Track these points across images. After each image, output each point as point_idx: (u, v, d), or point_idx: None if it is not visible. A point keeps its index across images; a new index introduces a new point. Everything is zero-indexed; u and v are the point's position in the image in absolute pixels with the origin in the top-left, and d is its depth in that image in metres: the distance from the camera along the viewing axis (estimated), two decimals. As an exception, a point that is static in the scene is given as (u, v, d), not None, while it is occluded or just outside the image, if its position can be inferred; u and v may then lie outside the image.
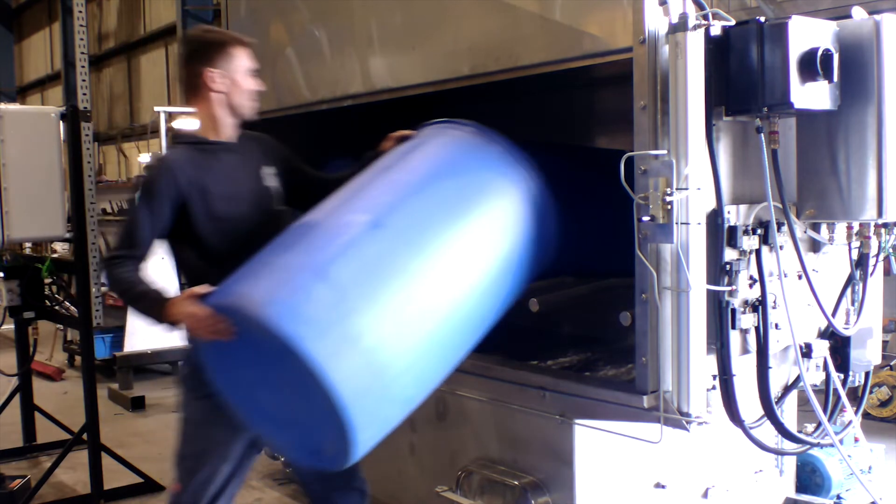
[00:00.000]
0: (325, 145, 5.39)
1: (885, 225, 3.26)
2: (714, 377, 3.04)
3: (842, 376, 3.39)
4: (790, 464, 4.21)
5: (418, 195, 2.96)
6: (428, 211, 2.90)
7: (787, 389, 3.38)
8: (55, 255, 5.89)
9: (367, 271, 2.67)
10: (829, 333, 3.35)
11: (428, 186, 3.02)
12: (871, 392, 5.82)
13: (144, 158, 11.62)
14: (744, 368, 3.10)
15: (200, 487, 3.11)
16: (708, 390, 3.00)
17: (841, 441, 3.75)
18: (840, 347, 3.37)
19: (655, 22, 2.91)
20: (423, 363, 2.76)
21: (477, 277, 2.90)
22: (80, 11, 9.37)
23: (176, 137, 3.20)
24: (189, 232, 3.09)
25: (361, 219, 2.81)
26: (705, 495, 3.79)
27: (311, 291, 2.61)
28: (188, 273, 3.25)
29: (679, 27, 2.84)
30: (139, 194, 3.02)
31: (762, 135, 2.97)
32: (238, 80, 3.12)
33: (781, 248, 3.12)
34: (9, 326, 5.87)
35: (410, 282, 2.71)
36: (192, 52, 3.12)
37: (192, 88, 3.11)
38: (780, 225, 3.10)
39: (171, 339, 8.12)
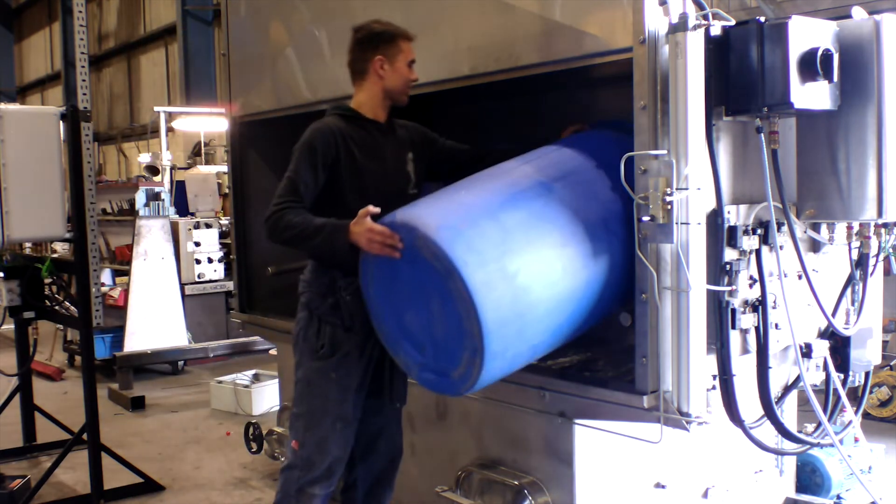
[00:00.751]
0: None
1: (885, 225, 3.26)
2: (714, 377, 3.04)
3: (842, 376, 3.39)
4: (790, 464, 4.22)
5: (582, 174, 3.25)
6: (586, 193, 3.17)
7: (787, 389, 3.38)
8: (55, 255, 5.89)
9: (532, 222, 3.01)
10: (829, 333, 3.35)
11: (590, 171, 3.28)
12: (871, 392, 5.82)
13: (144, 158, 11.61)
14: (744, 368, 3.10)
15: (319, 443, 3.41)
16: (708, 390, 3.00)
17: (841, 441, 3.75)
18: (840, 347, 3.37)
19: (655, 22, 2.91)
20: (554, 317, 3.02)
21: (608, 262, 3.10)
22: (80, 11, 9.35)
23: (335, 108, 3.48)
24: (334, 198, 3.37)
25: (534, 179, 3.14)
26: (705, 495, 3.79)
27: (480, 226, 2.93)
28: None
29: (679, 27, 2.84)
30: (301, 152, 3.33)
31: (762, 135, 2.97)
32: (399, 69, 3.44)
33: (781, 248, 3.12)
34: (9, 326, 5.87)
35: (564, 242, 3.00)
36: (364, 39, 3.44)
37: (359, 72, 3.46)
38: (780, 225, 3.10)
39: (170, 339, 8.16)
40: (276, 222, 3.26)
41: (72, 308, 5.40)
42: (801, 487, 4.34)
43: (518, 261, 2.90)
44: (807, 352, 3.26)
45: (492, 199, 3.06)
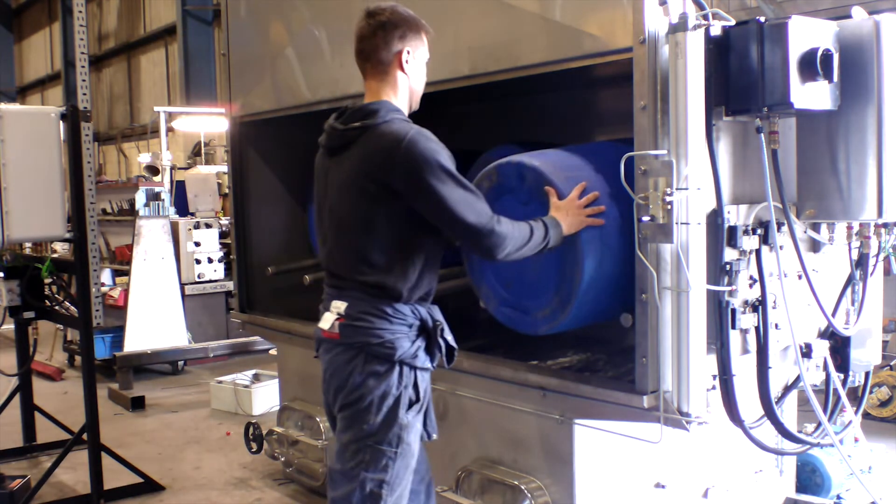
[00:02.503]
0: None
1: (885, 225, 3.26)
2: (714, 377, 3.04)
3: (842, 376, 3.39)
4: (790, 464, 4.21)
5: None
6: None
7: (787, 389, 3.38)
8: (55, 255, 5.89)
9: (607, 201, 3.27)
10: (829, 333, 3.35)
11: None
12: (871, 392, 5.82)
13: (144, 158, 11.61)
14: (744, 368, 3.10)
15: (397, 502, 2.95)
16: (708, 390, 3.00)
17: (841, 441, 3.75)
18: (840, 347, 3.37)
19: (655, 22, 2.91)
20: (611, 290, 3.28)
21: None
22: (80, 11, 9.36)
23: (394, 109, 2.91)
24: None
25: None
26: (705, 495, 3.79)
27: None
28: (428, 262, 2.97)
29: (679, 27, 2.84)
30: (446, 167, 2.81)
31: (762, 135, 2.97)
32: (422, 67, 3.02)
33: (781, 248, 3.12)
34: (9, 326, 5.87)
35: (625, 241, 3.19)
36: (388, 24, 2.90)
37: (379, 63, 2.92)
38: (780, 225, 3.10)
39: (170, 339, 8.16)
40: (500, 237, 2.80)
41: (72, 308, 5.40)
42: (801, 487, 4.33)
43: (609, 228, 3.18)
44: (807, 352, 3.26)
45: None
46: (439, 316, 2.98)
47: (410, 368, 2.88)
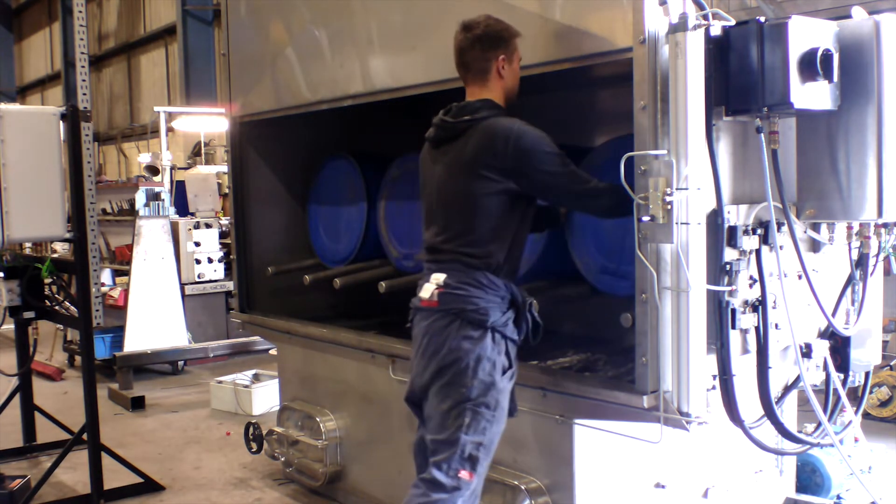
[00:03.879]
0: (325, 145, 5.40)
1: (885, 225, 3.27)
2: (714, 377, 3.04)
3: (842, 376, 3.39)
4: (790, 464, 4.21)
5: None
6: None
7: (787, 389, 3.38)
8: (55, 255, 5.89)
9: None
10: (829, 333, 3.35)
11: None
12: (871, 392, 5.82)
13: (144, 158, 11.61)
14: (744, 368, 3.10)
15: (486, 470, 3.16)
16: (708, 390, 3.00)
17: (841, 441, 3.75)
18: (840, 347, 3.37)
19: (655, 22, 2.91)
20: None
21: None
22: (80, 11, 9.36)
23: (495, 108, 3.24)
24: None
25: None
26: (705, 495, 3.79)
27: None
28: (516, 239, 3.24)
29: (679, 27, 2.84)
30: (552, 150, 3.12)
31: (762, 135, 2.97)
32: (516, 70, 3.30)
33: (781, 248, 3.12)
34: (9, 326, 5.86)
35: None
36: (484, 37, 3.21)
37: (481, 72, 3.25)
38: (780, 225, 3.10)
39: (170, 339, 8.16)
40: (607, 199, 3.11)
41: (72, 308, 5.39)
42: (801, 487, 4.33)
43: None
44: (807, 352, 3.26)
45: None
46: (526, 294, 3.21)
47: (502, 336, 3.09)
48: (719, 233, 2.98)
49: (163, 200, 9.02)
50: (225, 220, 8.81)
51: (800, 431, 3.63)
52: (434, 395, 3.14)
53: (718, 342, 3.01)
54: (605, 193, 3.12)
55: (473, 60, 3.25)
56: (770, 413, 3.19)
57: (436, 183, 3.29)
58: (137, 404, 7.25)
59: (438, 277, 3.16)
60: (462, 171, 3.17)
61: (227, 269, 8.74)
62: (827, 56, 2.89)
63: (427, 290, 3.18)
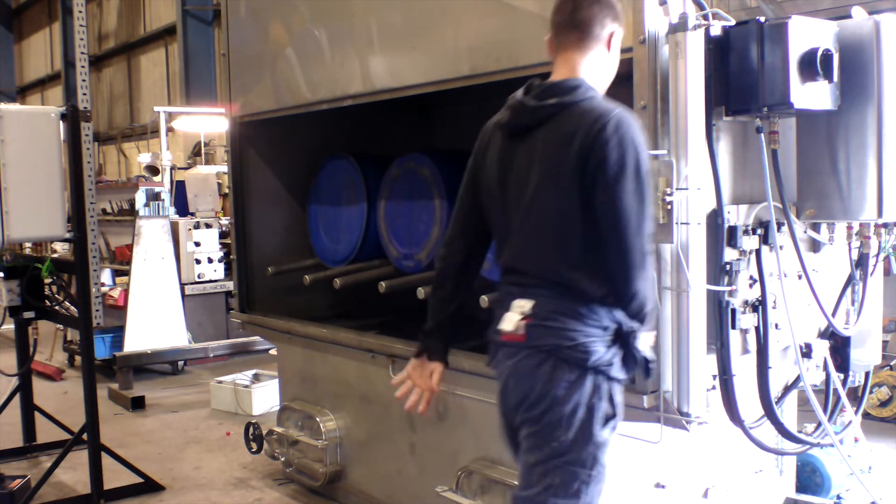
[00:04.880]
0: (325, 145, 5.40)
1: (885, 225, 3.27)
2: (714, 377, 3.04)
3: (842, 376, 3.39)
4: (790, 464, 4.21)
5: None
6: None
7: (787, 389, 3.38)
8: (55, 255, 5.89)
9: None
10: (829, 333, 3.36)
11: None
12: (871, 392, 5.82)
13: (144, 158, 11.61)
14: (744, 368, 3.10)
15: None
16: (708, 390, 3.00)
17: (841, 441, 3.75)
18: (840, 347, 3.37)
19: (655, 22, 2.91)
20: None
21: None
22: (80, 11, 9.35)
23: (594, 90, 2.58)
24: None
25: None
26: (705, 495, 3.79)
27: None
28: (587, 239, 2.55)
29: (679, 27, 2.84)
30: (644, 166, 2.48)
31: (762, 135, 2.97)
32: (615, 63, 2.71)
33: (781, 248, 3.12)
34: (9, 326, 5.86)
35: None
36: (607, 3, 2.61)
37: (592, 39, 2.59)
38: (780, 225, 3.10)
39: (170, 339, 8.16)
40: (644, 281, 2.52)
41: (72, 308, 5.39)
42: (801, 487, 4.33)
43: None
44: (807, 352, 3.26)
45: None
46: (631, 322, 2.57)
47: (605, 378, 2.52)
48: (719, 233, 2.99)
49: (163, 200, 9.02)
50: (225, 220, 8.81)
51: (800, 431, 3.63)
52: (525, 440, 2.62)
53: (718, 342, 3.01)
54: (648, 277, 2.54)
55: (588, 21, 2.57)
56: (770, 413, 3.19)
57: (510, 184, 2.64)
58: (137, 404, 7.25)
59: (523, 305, 2.56)
60: (548, 172, 2.55)
61: (227, 269, 8.74)
62: (827, 56, 2.89)
63: (510, 322, 2.58)
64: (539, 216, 2.56)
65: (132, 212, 9.65)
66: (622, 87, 3.09)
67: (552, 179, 2.53)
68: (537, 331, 2.53)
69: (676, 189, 2.84)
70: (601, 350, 2.50)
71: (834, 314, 3.33)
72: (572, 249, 2.52)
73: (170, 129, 11.36)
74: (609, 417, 2.56)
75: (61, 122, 4.87)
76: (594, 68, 2.61)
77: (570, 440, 2.50)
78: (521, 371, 2.57)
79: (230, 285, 8.06)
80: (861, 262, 3.37)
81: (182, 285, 8.51)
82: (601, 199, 2.46)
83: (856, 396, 3.59)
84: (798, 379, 3.31)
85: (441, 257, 2.94)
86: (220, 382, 7.13)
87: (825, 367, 3.35)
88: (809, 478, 4.40)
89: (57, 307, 5.50)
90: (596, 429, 2.53)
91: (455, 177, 4.48)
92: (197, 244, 8.75)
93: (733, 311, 3.02)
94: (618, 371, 2.54)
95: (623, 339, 2.54)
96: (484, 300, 3.92)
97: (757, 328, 3.12)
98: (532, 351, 2.53)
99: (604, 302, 2.52)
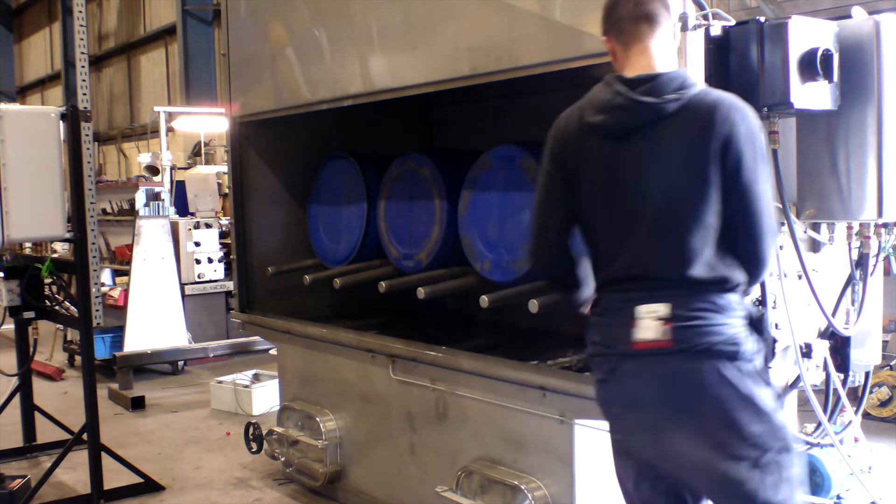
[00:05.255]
0: (325, 145, 5.40)
1: (885, 225, 3.27)
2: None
3: (842, 376, 3.39)
4: (790, 464, 4.21)
5: None
6: None
7: (786, 389, 3.38)
8: (55, 255, 5.89)
9: None
10: (829, 333, 3.36)
11: None
12: (871, 392, 5.82)
13: (144, 158, 11.60)
14: (744, 368, 3.09)
15: None
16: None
17: (841, 441, 3.75)
18: (840, 347, 3.37)
19: (655, 22, 2.90)
20: None
21: None
22: (80, 11, 9.35)
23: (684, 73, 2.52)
24: None
25: None
26: (705, 495, 3.79)
27: None
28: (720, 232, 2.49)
29: (679, 27, 2.83)
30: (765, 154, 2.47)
31: (762, 135, 2.96)
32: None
33: (781, 248, 3.11)
34: (9, 326, 5.86)
35: None
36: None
37: (662, 30, 2.52)
38: (780, 225, 3.09)
39: (170, 339, 8.16)
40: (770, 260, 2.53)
41: (72, 308, 5.39)
42: (801, 487, 4.33)
43: None
44: (807, 352, 3.26)
45: None
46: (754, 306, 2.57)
47: (759, 363, 2.48)
48: (719, 233, 2.98)
49: (163, 200, 9.02)
50: (225, 220, 8.81)
51: (800, 431, 3.62)
52: (714, 467, 2.44)
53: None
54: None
55: (657, 11, 2.51)
56: (770, 413, 3.19)
57: (632, 188, 2.51)
58: (137, 404, 7.25)
59: (656, 310, 2.44)
60: (680, 171, 2.45)
61: (227, 269, 8.74)
62: (827, 56, 2.90)
63: (649, 329, 2.43)
64: (672, 217, 2.46)
65: (132, 212, 9.66)
66: (622, 87, 3.09)
67: (689, 178, 2.44)
68: (684, 332, 2.42)
69: (676, 189, 2.83)
70: (746, 338, 2.45)
71: (834, 314, 3.33)
72: (709, 245, 2.44)
73: (170, 129, 11.36)
74: (777, 395, 2.56)
75: (61, 122, 4.87)
76: (670, 57, 2.56)
77: (763, 433, 2.42)
78: (679, 378, 2.43)
79: (230, 285, 8.07)
80: (861, 262, 3.37)
81: (182, 285, 8.51)
82: (742, 190, 2.42)
83: (856, 396, 3.59)
84: (798, 379, 3.31)
85: (550, 276, 2.93)
86: (220, 382, 7.13)
87: (825, 367, 3.35)
88: (809, 478, 4.40)
89: (57, 307, 5.50)
90: (778, 411, 2.47)
91: (455, 177, 4.50)
92: (197, 244, 8.75)
93: (733, 311, 3.01)
94: (761, 355, 2.50)
95: (756, 324, 2.50)
96: (484, 300, 3.93)
97: (757, 328, 3.11)
98: (684, 355, 2.42)
99: (736, 290, 2.48)
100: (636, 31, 2.53)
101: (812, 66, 2.88)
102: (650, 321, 2.43)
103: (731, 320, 2.44)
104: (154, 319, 8.20)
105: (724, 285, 2.45)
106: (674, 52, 2.59)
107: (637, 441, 2.57)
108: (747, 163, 2.40)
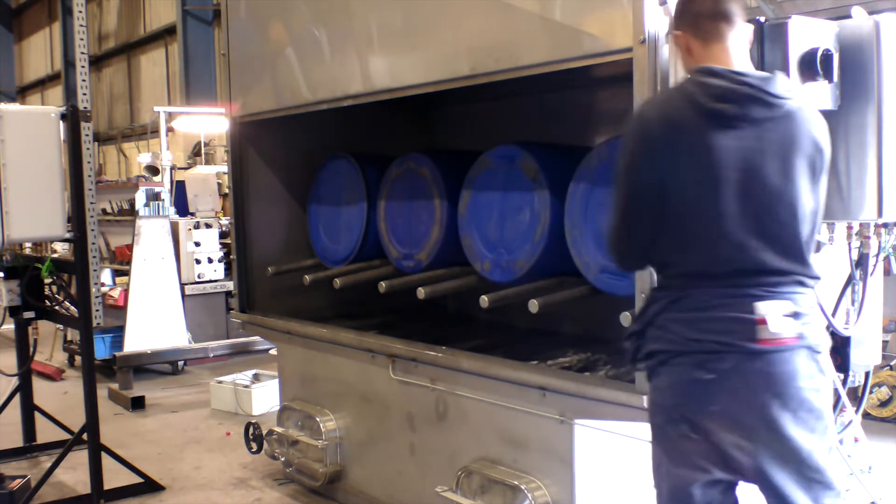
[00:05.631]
0: (325, 145, 5.41)
1: (885, 225, 3.27)
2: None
3: (842, 376, 3.39)
4: (790, 464, 4.20)
5: None
6: None
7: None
8: (55, 255, 5.89)
9: None
10: (829, 333, 3.35)
11: None
12: (871, 392, 5.82)
13: (144, 158, 11.60)
14: (744, 368, 3.09)
15: None
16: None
17: (841, 441, 3.74)
18: (840, 347, 3.37)
19: (655, 22, 2.91)
20: None
21: None
22: (80, 11, 9.35)
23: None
24: None
25: None
26: (705, 495, 3.79)
27: None
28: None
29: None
30: None
31: (762, 135, 2.96)
32: None
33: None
34: (9, 326, 5.86)
35: None
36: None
37: (740, 28, 2.59)
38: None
39: (170, 339, 8.16)
40: None
41: (72, 308, 5.39)
42: (801, 487, 4.32)
43: None
44: (807, 352, 3.25)
45: None
46: None
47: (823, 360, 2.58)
48: (719, 233, 2.97)
49: (163, 200, 9.02)
50: (225, 220, 8.81)
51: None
52: (799, 447, 2.50)
53: (718, 342, 3.00)
54: None
55: (735, 11, 2.58)
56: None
57: (743, 185, 2.48)
58: (137, 404, 7.25)
59: (780, 306, 2.45)
60: (794, 166, 2.49)
61: (227, 269, 8.74)
62: (827, 56, 2.90)
63: (779, 324, 2.45)
64: (786, 213, 2.49)
65: (132, 212, 9.66)
66: (622, 87, 3.09)
67: (803, 175, 2.51)
68: (807, 329, 2.49)
69: (676, 189, 2.83)
70: (823, 332, 2.59)
71: (834, 314, 3.33)
72: (812, 242, 2.56)
73: (170, 129, 11.36)
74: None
75: (61, 122, 4.87)
76: (747, 57, 2.61)
77: (831, 426, 2.57)
78: (782, 373, 2.46)
79: (230, 285, 8.06)
80: (861, 262, 3.36)
81: (182, 285, 8.51)
82: (823, 190, 2.60)
83: (856, 396, 3.59)
84: (798, 379, 3.31)
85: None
86: (220, 382, 7.14)
87: (825, 367, 3.34)
88: (809, 478, 4.39)
89: (57, 307, 5.50)
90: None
91: (455, 177, 4.50)
92: (197, 244, 8.75)
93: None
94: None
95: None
96: (484, 300, 3.93)
97: (757, 328, 3.11)
98: (793, 351, 2.47)
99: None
100: (716, 29, 2.55)
101: (812, 66, 2.88)
102: (776, 318, 2.44)
103: (819, 316, 2.60)
104: (154, 319, 8.20)
105: (815, 281, 2.55)
106: (748, 52, 2.63)
107: (729, 438, 2.51)
108: (828, 164, 2.58)
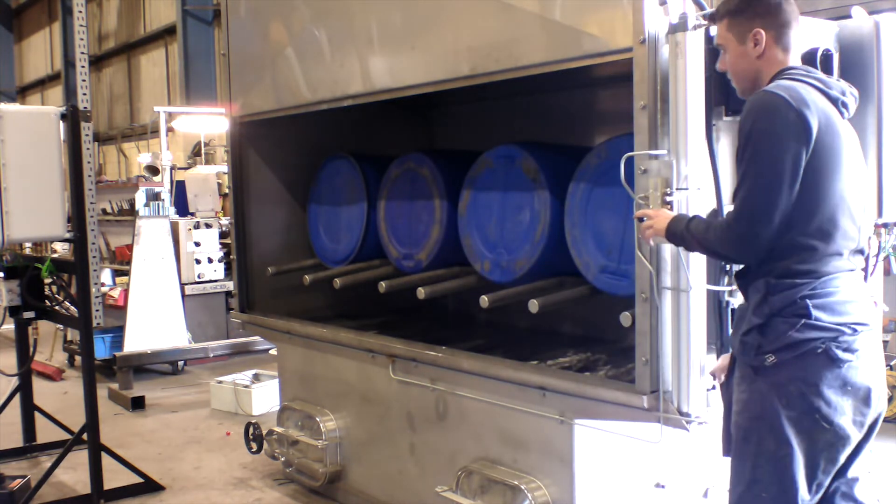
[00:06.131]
0: (325, 145, 5.41)
1: (885, 225, 3.26)
2: (714, 377, 3.03)
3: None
4: (790, 464, 4.20)
5: None
6: None
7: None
8: (55, 255, 5.89)
9: None
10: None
11: None
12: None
13: (144, 158, 11.61)
14: (744, 368, 3.09)
15: None
16: (708, 390, 3.00)
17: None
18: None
19: (655, 22, 2.91)
20: None
21: None
22: (80, 11, 9.35)
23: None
24: None
25: None
26: (705, 495, 3.79)
27: None
28: None
29: (679, 27, 2.84)
30: None
31: (762, 135, 2.96)
32: None
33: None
34: (9, 326, 5.87)
35: None
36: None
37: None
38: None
39: (170, 339, 8.16)
40: None
41: (72, 308, 5.39)
42: (801, 487, 4.32)
43: None
44: (807, 352, 3.25)
45: None
46: None
47: None
48: (719, 233, 2.97)
49: (163, 200, 9.02)
50: (225, 220, 8.81)
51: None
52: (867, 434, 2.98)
53: (718, 342, 3.01)
54: None
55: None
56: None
57: (858, 170, 2.61)
58: (137, 404, 7.25)
59: (876, 287, 2.68)
60: (861, 157, 2.67)
61: (227, 269, 8.74)
62: (827, 56, 2.89)
63: (882, 306, 2.70)
64: (866, 200, 2.65)
65: (132, 212, 9.66)
66: (622, 87, 3.10)
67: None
68: None
69: (676, 189, 2.84)
70: None
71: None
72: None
73: (170, 129, 11.36)
74: None
75: (61, 122, 4.87)
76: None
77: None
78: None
79: (230, 285, 8.07)
80: (861, 262, 3.36)
81: (182, 285, 8.51)
82: None
83: (856, 396, 3.58)
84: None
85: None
86: (220, 382, 7.14)
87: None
88: (809, 478, 4.39)
89: (57, 307, 5.50)
90: None
91: (455, 177, 4.50)
92: (197, 244, 8.75)
93: (733, 311, 3.02)
94: None
95: None
96: (484, 300, 3.93)
97: (757, 328, 3.11)
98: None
99: None
100: (793, 34, 2.66)
101: (812, 65, 2.88)
102: (877, 300, 2.59)
103: None
104: (154, 319, 8.20)
105: None
106: None
107: (870, 416, 2.76)
108: None
